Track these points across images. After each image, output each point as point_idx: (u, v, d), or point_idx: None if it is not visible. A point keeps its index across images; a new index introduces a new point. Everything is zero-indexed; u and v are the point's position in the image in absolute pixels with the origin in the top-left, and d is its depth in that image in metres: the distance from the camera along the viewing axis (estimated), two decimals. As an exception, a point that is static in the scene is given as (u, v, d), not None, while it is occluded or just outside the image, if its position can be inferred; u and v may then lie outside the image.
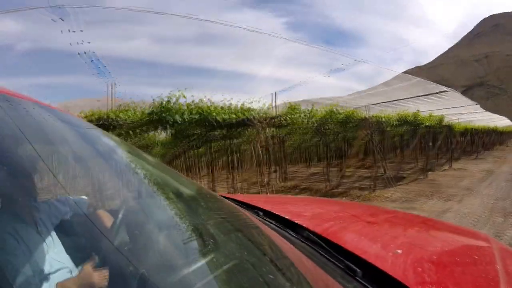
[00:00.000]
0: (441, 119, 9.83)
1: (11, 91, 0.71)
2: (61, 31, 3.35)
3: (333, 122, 6.90)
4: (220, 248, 0.69)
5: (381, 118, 7.56)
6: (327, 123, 6.98)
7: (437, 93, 7.25)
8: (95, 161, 0.90)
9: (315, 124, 6.79)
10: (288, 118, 5.95)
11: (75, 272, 0.76)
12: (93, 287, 0.69)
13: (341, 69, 5.97)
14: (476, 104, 10.63)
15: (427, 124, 8.89)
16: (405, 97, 7.78)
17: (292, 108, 6.15)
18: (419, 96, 7.56)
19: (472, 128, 15.46)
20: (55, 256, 0.71)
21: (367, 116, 7.00)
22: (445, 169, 10.66)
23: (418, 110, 8.61)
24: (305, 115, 6.30)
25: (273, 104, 6.12)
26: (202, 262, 0.61)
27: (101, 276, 0.68)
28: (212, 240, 0.72)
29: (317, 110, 6.64)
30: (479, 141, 18.10)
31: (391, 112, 8.13)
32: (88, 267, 0.74)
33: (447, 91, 7.11)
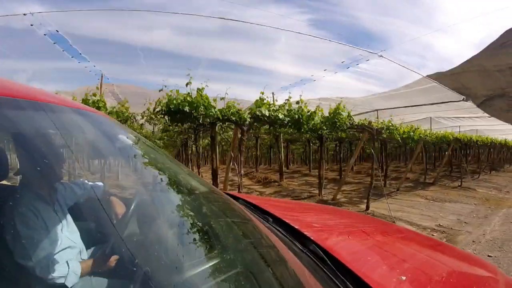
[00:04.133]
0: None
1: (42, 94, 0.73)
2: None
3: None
4: (225, 253, 0.70)
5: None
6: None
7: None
8: (113, 151, 0.92)
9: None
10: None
11: (84, 251, 0.79)
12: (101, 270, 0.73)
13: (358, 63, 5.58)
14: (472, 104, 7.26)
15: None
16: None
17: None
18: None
19: (453, 138, 8.81)
20: (68, 234, 0.74)
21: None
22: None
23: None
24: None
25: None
26: (205, 266, 0.62)
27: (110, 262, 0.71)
28: (218, 244, 0.73)
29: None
30: (472, 159, 12.74)
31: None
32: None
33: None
